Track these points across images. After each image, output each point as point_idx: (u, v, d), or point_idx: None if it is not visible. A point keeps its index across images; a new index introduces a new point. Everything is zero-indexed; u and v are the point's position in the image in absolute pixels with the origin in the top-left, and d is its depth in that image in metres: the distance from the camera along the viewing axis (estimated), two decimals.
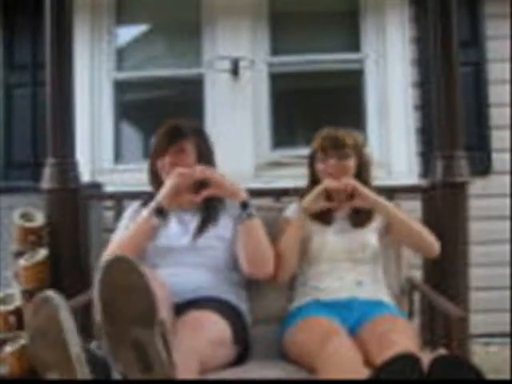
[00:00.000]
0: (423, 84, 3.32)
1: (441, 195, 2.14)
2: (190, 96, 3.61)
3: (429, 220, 2.13)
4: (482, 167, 3.27)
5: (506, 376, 2.57)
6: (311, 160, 1.98)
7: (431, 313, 1.97)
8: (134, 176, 3.08)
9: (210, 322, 1.59)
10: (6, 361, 2.03)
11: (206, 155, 1.90)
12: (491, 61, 3.35)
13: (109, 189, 3.15)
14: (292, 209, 1.96)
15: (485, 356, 3.02)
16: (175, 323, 1.54)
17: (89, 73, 3.45)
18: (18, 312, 2.10)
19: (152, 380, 1.29)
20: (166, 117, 1.99)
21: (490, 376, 1.52)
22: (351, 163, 1.91)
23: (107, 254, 1.75)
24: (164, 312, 1.41)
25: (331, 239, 1.89)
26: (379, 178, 2.23)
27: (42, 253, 2.13)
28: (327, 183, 1.87)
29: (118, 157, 3.54)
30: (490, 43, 3.35)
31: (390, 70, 3.40)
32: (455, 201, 2.13)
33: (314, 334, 1.59)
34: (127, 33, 3.69)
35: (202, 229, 1.83)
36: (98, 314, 1.32)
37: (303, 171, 2.03)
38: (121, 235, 1.85)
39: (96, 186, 3.12)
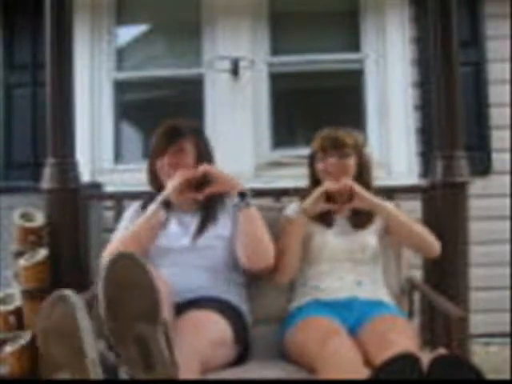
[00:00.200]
0: (423, 84, 3.32)
1: (441, 195, 2.14)
2: (190, 96, 3.61)
3: (429, 220, 2.13)
4: (482, 167, 3.28)
5: (506, 376, 2.58)
6: (311, 160, 1.98)
7: (431, 313, 1.97)
8: (134, 176, 3.08)
9: (210, 321, 1.59)
10: (6, 361, 2.02)
11: (205, 154, 1.91)
12: (491, 61, 3.35)
13: (109, 189, 3.16)
14: (292, 208, 1.96)
15: (485, 356, 3.03)
16: (176, 323, 1.54)
17: (89, 73, 3.45)
18: (18, 312, 2.10)
19: (153, 380, 1.30)
20: (166, 117, 1.99)
21: (490, 376, 1.52)
22: (351, 162, 1.91)
23: (110, 250, 1.75)
24: (166, 311, 1.41)
25: (331, 240, 1.89)
26: (379, 178, 2.22)
27: (42, 253, 2.13)
28: (327, 185, 1.86)
29: (117, 157, 3.54)
30: (490, 43, 3.35)
31: (390, 70, 3.41)
32: (455, 201, 2.13)
33: (314, 334, 1.59)
34: (127, 33, 3.69)
35: (201, 229, 1.83)
36: (102, 311, 1.32)
37: (303, 171, 2.03)
38: (124, 232, 1.84)
39: (96, 186, 3.12)
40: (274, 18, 3.53)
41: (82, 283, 2.13)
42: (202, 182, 1.82)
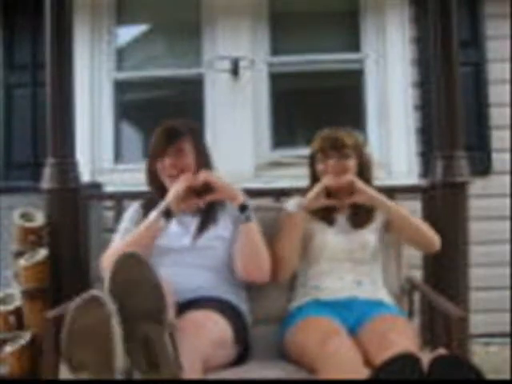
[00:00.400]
0: (423, 84, 3.32)
1: (441, 195, 2.14)
2: (189, 96, 3.61)
3: (429, 220, 2.12)
4: (482, 167, 3.27)
5: (506, 376, 2.58)
6: (311, 161, 1.98)
7: (431, 313, 1.97)
8: (133, 176, 3.06)
9: (211, 321, 1.59)
10: (6, 361, 2.03)
11: (204, 154, 1.91)
12: (491, 61, 3.35)
13: (109, 189, 3.16)
14: (293, 203, 1.94)
15: (485, 356, 3.02)
16: (176, 323, 1.54)
17: (89, 73, 3.45)
18: (18, 312, 2.10)
19: (157, 380, 1.30)
20: (165, 117, 1.99)
21: (490, 376, 1.52)
22: (351, 163, 1.91)
23: (112, 253, 1.75)
24: (171, 312, 1.41)
25: (332, 239, 1.89)
26: (379, 178, 2.23)
27: (42, 253, 2.13)
28: (327, 181, 1.86)
29: (117, 157, 3.54)
30: (490, 43, 3.35)
31: (390, 70, 3.40)
32: (455, 201, 2.13)
33: (314, 334, 1.59)
34: (127, 33, 3.68)
35: (202, 229, 1.84)
36: None
37: (303, 171, 2.03)
38: (125, 238, 1.83)
39: (96, 186, 3.12)
40: (274, 18, 3.53)
41: (81, 283, 2.13)
42: (203, 188, 1.82)
